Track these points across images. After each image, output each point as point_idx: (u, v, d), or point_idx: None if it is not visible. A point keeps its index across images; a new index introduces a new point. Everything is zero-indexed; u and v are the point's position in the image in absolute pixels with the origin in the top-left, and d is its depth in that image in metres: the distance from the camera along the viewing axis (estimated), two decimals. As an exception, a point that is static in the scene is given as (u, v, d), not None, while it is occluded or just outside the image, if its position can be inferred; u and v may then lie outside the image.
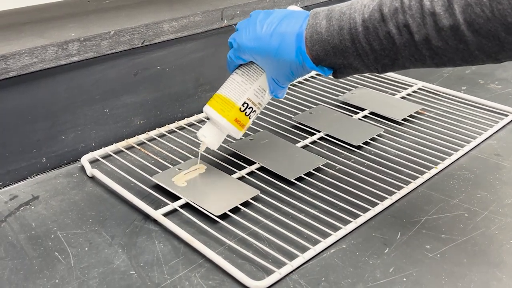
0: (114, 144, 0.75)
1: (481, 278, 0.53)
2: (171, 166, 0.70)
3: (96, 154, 0.73)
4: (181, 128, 0.82)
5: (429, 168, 0.70)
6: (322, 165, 0.70)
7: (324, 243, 0.57)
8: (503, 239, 0.58)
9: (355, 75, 0.99)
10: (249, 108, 0.63)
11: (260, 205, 0.62)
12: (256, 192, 0.64)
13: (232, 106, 0.63)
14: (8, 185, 0.68)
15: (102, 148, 0.74)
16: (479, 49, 0.49)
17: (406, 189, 0.66)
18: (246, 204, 0.63)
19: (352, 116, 0.84)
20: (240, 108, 0.63)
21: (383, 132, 0.79)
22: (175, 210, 0.62)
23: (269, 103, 0.86)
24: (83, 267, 0.54)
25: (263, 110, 0.85)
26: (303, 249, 0.56)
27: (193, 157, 0.72)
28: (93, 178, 0.70)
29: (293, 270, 0.54)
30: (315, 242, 0.57)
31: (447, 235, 0.59)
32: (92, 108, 0.74)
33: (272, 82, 0.62)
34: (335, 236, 0.58)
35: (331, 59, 0.56)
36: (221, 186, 0.66)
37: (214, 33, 0.85)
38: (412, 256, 0.56)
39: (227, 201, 0.62)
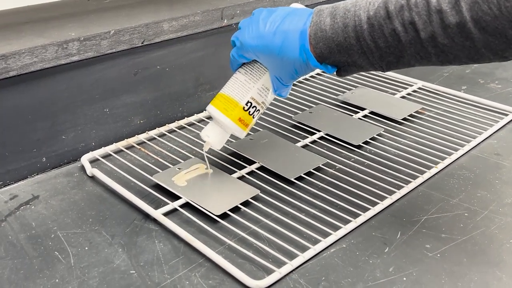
0: (114, 143, 0.75)
1: (481, 278, 0.53)
2: (171, 166, 0.70)
3: (96, 153, 0.73)
4: (181, 128, 0.82)
5: (429, 168, 0.70)
6: (322, 165, 0.70)
7: (324, 242, 0.57)
8: (503, 239, 0.58)
9: (355, 74, 0.99)
10: (252, 107, 0.63)
11: (260, 205, 0.62)
12: (256, 191, 0.64)
13: (236, 105, 0.62)
14: (8, 184, 0.68)
15: (102, 147, 0.74)
16: (485, 46, 0.49)
17: (406, 189, 0.66)
18: (246, 203, 0.63)
19: (352, 115, 0.84)
20: (244, 108, 0.62)
21: (383, 131, 0.79)
22: (175, 210, 0.62)
23: (269, 103, 0.86)
24: (83, 267, 0.54)
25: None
26: (303, 249, 0.56)
27: (193, 157, 0.72)
28: (93, 178, 0.70)
29: (293, 270, 0.54)
30: (315, 242, 0.57)
31: (447, 235, 0.59)
32: (92, 108, 0.74)
33: (275, 81, 0.62)
34: (335, 235, 0.58)
35: (335, 56, 0.55)
36: (221, 185, 0.66)
37: (214, 32, 0.85)
38: (412, 256, 0.56)
39: (227, 201, 0.62)
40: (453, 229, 0.60)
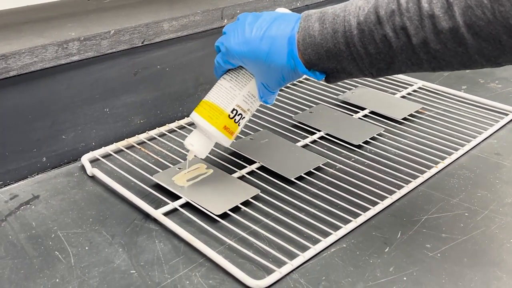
0: (114, 143, 0.75)
1: (481, 277, 0.53)
2: (171, 166, 0.70)
3: (96, 153, 0.73)
4: (181, 128, 0.82)
5: (429, 167, 0.70)
6: (322, 164, 0.70)
7: (325, 242, 0.57)
8: (504, 238, 0.58)
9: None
10: (238, 115, 0.61)
11: (260, 204, 0.62)
12: (257, 191, 0.64)
13: (221, 113, 0.60)
14: (8, 184, 0.68)
15: (102, 147, 0.74)
16: (479, 52, 0.47)
17: (407, 188, 0.66)
18: (246, 203, 0.63)
19: (352, 115, 0.84)
20: (229, 115, 0.61)
21: (383, 131, 0.79)
22: (175, 210, 0.62)
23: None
24: (83, 266, 0.54)
25: (264, 110, 0.85)
26: (304, 248, 0.56)
27: (193, 156, 0.72)
28: (93, 178, 0.70)
29: (294, 269, 0.54)
30: (315, 241, 0.57)
31: (447, 234, 0.59)
32: (92, 108, 0.74)
33: (262, 88, 0.60)
34: (335, 235, 0.58)
35: (324, 63, 0.54)
36: (221, 185, 0.66)
37: (214, 32, 0.85)
38: (412, 255, 0.56)
39: (228, 200, 0.62)
40: (453, 229, 0.60)
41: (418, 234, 0.59)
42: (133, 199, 0.63)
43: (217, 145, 0.70)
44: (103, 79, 0.74)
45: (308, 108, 0.86)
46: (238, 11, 0.86)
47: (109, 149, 0.74)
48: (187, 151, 0.64)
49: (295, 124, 0.82)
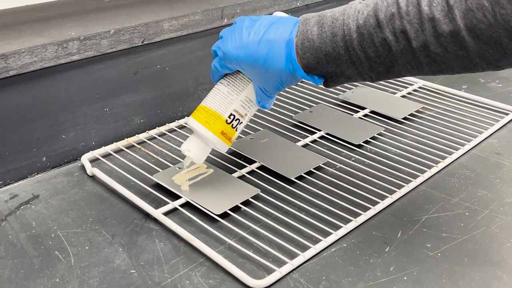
0: (114, 143, 0.75)
1: (481, 277, 0.53)
2: (171, 165, 0.70)
3: (96, 153, 0.73)
4: (181, 127, 0.82)
5: (429, 167, 0.70)
6: (322, 164, 0.70)
7: (325, 242, 0.57)
8: (504, 238, 0.58)
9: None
10: (235, 120, 0.60)
11: (260, 204, 0.62)
12: (257, 191, 0.64)
13: (218, 118, 0.60)
14: (8, 184, 0.68)
15: (102, 147, 0.74)
16: (480, 56, 0.47)
17: (407, 188, 0.66)
18: (246, 203, 0.63)
19: (352, 115, 0.84)
20: (227, 120, 0.60)
21: (383, 131, 0.79)
22: (175, 209, 0.62)
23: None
24: (83, 266, 0.54)
25: (264, 109, 0.84)
26: (304, 248, 0.55)
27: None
28: (93, 177, 0.70)
29: (294, 269, 0.54)
30: (315, 241, 0.57)
31: (447, 234, 0.59)
32: (92, 107, 0.74)
33: (259, 92, 0.59)
34: (335, 235, 0.58)
35: (323, 67, 0.53)
36: (221, 185, 0.66)
37: (214, 32, 0.85)
38: (412, 255, 0.56)
39: (228, 200, 0.62)
40: (453, 229, 0.59)
41: (418, 233, 0.59)
42: (133, 198, 0.63)
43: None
44: (103, 79, 0.74)
45: (308, 108, 0.86)
46: (238, 11, 0.86)
47: (109, 148, 0.74)
48: (184, 156, 0.64)
49: (295, 124, 0.82)
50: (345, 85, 0.95)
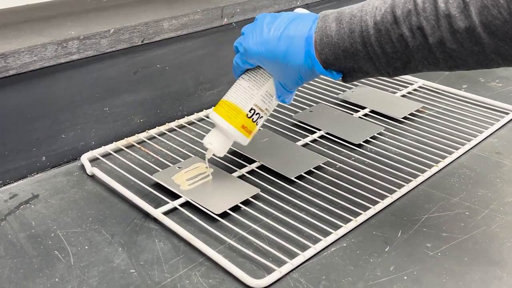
0: (114, 142, 0.75)
1: (481, 277, 0.53)
2: (171, 165, 0.70)
3: (96, 152, 0.73)
4: (181, 127, 0.82)
5: (430, 166, 0.70)
6: (322, 164, 0.70)
7: (325, 241, 0.56)
8: (504, 237, 0.58)
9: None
10: (256, 114, 0.62)
11: (260, 204, 0.62)
12: (257, 190, 0.64)
13: (239, 112, 0.61)
14: (8, 183, 0.68)
15: (102, 146, 0.74)
16: (495, 51, 0.48)
17: (407, 188, 0.66)
18: (246, 202, 0.63)
19: (352, 114, 0.84)
20: (247, 115, 0.62)
21: (383, 130, 0.79)
22: (175, 209, 0.62)
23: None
24: (83, 266, 0.54)
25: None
26: (304, 248, 0.55)
27: (193, 156, 0.72)
28: (93, 177, 0.69)
29: (294, 269, 0.54)
30: (315, 241, 0.57)
31: (447, 234, 0.59)
32: (92, 107, 0.74)
33: (279, 87, 0.61)
34: (335, 234, 0.57)
35: (341, 62, 0.55)
36: (221, 184, 0.66)
37: (214, 31, 0.85)
38: (412, 255, 0.56)
39: (228, 200, 0.62)
40: (454, 228, 0.59)
41: (418, 233, 0.59)
42: (133, 198, 0.63)
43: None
44: (102, 78, 0.74)
45: (308, 107, 0.86)
46: (238, 10, 0.86)
47: (108, 148, 0.74)
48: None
49: (295, 123, 0.82)
50: (345, 84, 0.95)
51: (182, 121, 0.82)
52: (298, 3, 0.97)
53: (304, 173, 0.68)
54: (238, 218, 0.60)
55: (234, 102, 0.62)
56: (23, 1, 0.80)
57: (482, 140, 0.77)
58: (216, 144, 0.63)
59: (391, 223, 0.60)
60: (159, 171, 0.68)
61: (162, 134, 0.79)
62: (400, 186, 0.66)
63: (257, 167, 0.70)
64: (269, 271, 0.53)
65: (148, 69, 0.79)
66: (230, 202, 0.62)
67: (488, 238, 0.58)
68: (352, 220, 0.60)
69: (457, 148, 0.74)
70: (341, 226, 0.59)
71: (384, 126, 0.80)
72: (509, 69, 1.01)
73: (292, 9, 0.96)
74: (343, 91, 0.92)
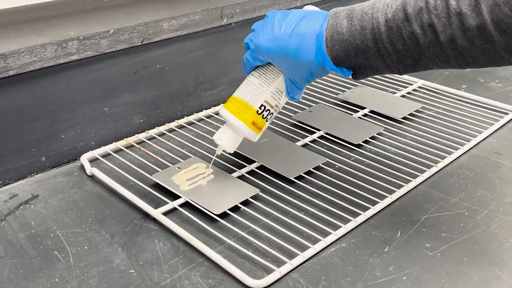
0: (113, 143, 0.75)
1: (481, 277, 0.53)
2: (171, 165, 0.70)
3: (96, 153, 0.73)
4: (181, 127, 0.82)
5: (429, 167, 0.70)
6: (322, 164, 0.70)
7: (324, 241, 0.57)
8: (503, 238, 0.58)
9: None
10: (266, 111, 0.62)
11: (260, 204, 0.62)
12: (256, 190, 0.64)
13: (249, 108, 0.61)
14: (8, 184, 0.68)
15: (102, 147, 0.74)
16: (506, 49, 0.48)
17: (406, 188, 0.66)
18: (246, 203, 0.63)
19: (352, 114, 0.84)
20: (257, 111, 0.62)
21: (383, 130, 0.79)
22: (174, 209, 0.62)
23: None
24: (82, 266, 0.54)
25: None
26: (303, 248, 0.55)
27: (193, 156, 0.72)
28: (92, 177, 0.70)
29: (293, 269, 0.54)
30: (315, 241, 0.57)
31: (447, 234, 0.59)
32: (91, 107, 0.74)
33: (289, 84, 0.61)
34: (335, 235, 0.58)
35: (352, 59, 0.55)
36: (221, 184, 0.66)
37: (213, 31, 0.85)
38: (412, 255, 0.56)
39: (227, 200, 0.62)
40: (453, 228, 0.59)
41: (418, 233, 0.59)
42: (133, 198, 0.63)
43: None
44: (102, 79, 0.74)
45: (307, 108, 0.86)
46: (237, 10, 0.86)
47: (108, 148, 0.74)
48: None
49: (295, 124, 0.82)
50: (345, 84, 0.95)
51: (181, 121, 0.82)
52: (298, 3, 0.97)
53: (304, 173, 0.68)
54: (237, 219, 0.60)
55: (244, 99, 0.62)
56: (23, 1, 0.80)
57: (482, 140, 0.77)
58: (226, 140, 0.63)
59: (390, 224, 0.60)
60: (158, 171, 0.68)
61: (161, 134, 0.79)
62: (399, 187, 0.66)
63: (256, 168, 0.70)
64: (269, 271, 0.53)
65: (148, 69, 0.79)
66: (230, 203, 0.62)
67: (488, 238, 0.58)
68: (351, 220, 0.60)
69: (456, 149, 0.74)
70: (340, 227, 0.59)
71: (383, 126, 0.80)
72: (508, 69, 1.01)
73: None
74: (343, 91, 0.92)
